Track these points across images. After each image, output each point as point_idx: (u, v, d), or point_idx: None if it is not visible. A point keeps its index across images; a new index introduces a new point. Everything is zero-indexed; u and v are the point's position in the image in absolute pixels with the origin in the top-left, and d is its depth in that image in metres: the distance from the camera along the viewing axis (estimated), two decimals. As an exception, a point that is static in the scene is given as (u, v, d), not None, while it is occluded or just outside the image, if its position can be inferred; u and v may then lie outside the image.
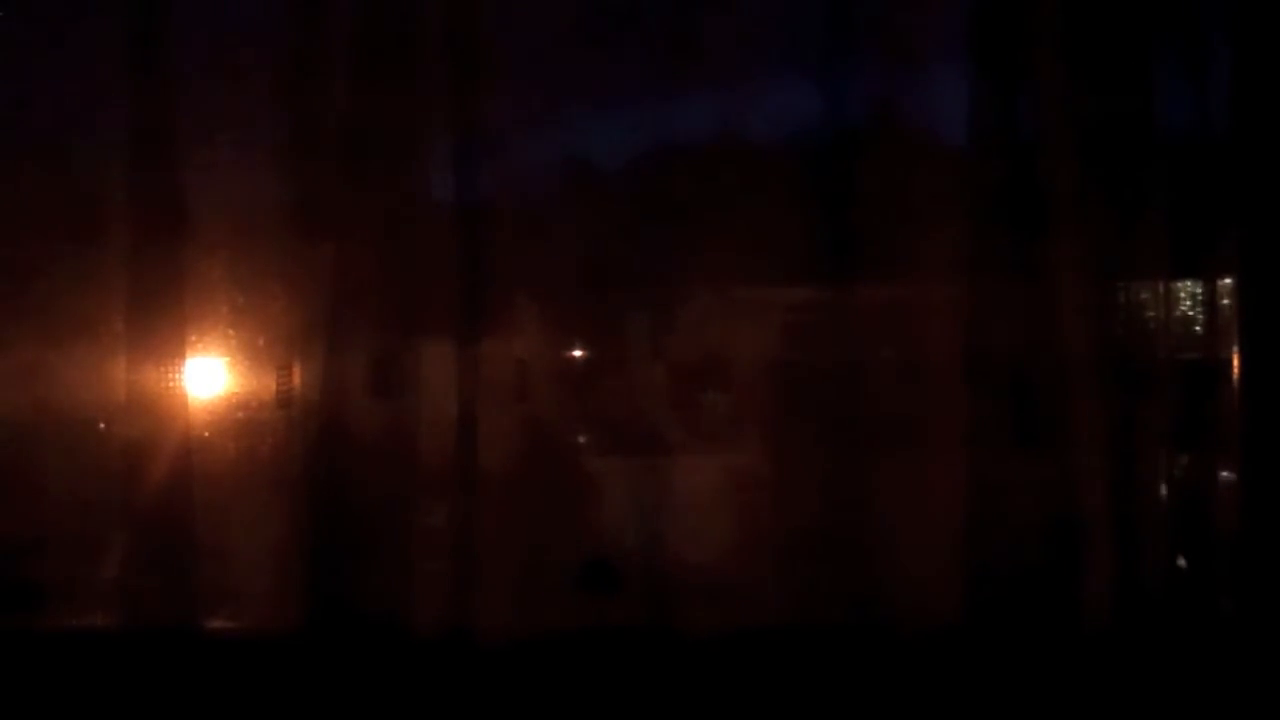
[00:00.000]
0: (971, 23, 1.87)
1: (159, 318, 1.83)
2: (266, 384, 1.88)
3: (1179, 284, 1.91)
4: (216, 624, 1.85)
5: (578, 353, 1.96)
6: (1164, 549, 1.86)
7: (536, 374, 1.89)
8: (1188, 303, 1.91)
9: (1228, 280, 1.90)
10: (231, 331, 1.91)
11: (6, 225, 1.89)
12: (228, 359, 1.91)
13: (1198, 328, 1.90)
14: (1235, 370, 1.88)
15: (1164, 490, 1.86)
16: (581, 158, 1.91)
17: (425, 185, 1.86)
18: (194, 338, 1.87)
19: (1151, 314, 1.88)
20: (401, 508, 1.83)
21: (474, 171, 1.86)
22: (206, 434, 1.89)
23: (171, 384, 1.83)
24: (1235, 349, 1.89)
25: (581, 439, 1.96)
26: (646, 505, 1.87)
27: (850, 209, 1.87)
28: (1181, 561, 1.88)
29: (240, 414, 1.90)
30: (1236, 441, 1.87)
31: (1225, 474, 1.89)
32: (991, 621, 1.83)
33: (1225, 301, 1.90)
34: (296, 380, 1.85)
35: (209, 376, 1.90)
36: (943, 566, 1.83)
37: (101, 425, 1.87)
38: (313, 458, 1.83)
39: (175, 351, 1.83)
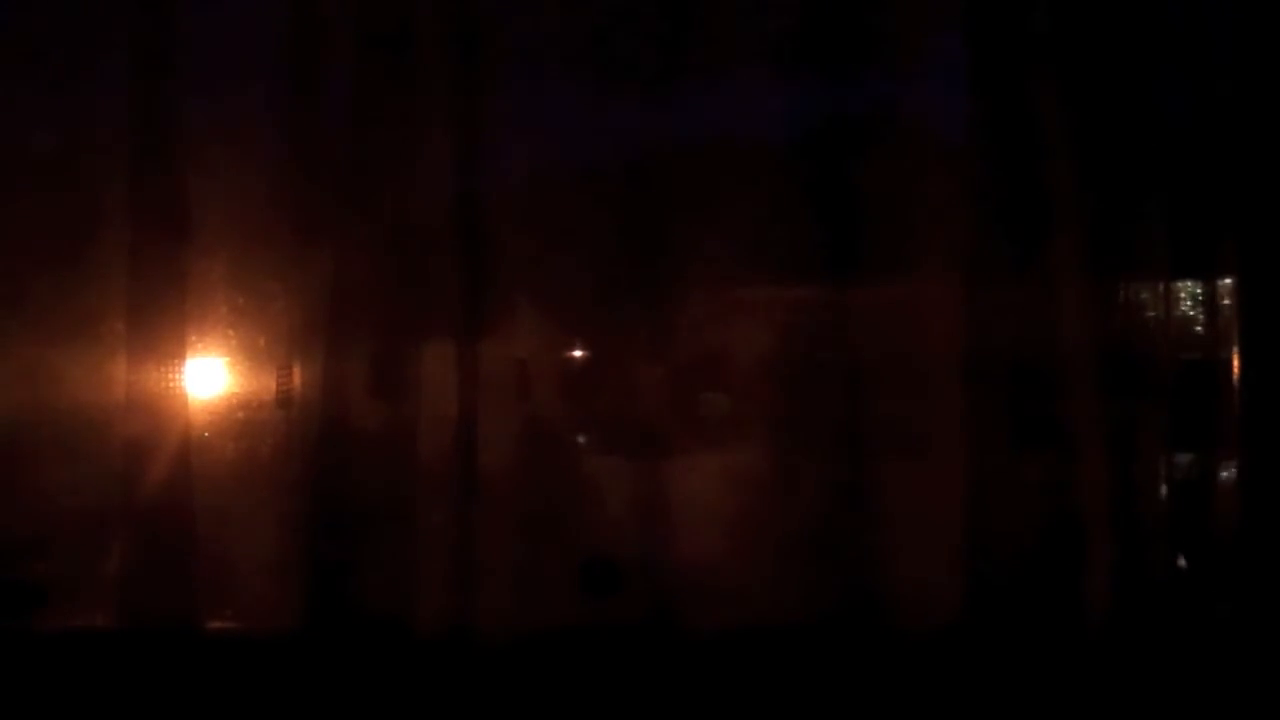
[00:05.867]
0: (971, 22, 1.87)
1: (159, 318, 1.83)
2: (266, 384, 1.88)
3: (1179, 284, 1.91)
4: (216, 624, 1.85)
5: (578, 353, 1.96)
6: (1164, 549, 1.86)
7: (536, 374, 1.89)
8: (1188, 303, 1.92)
9: (1228, 280, 1.90)
10: (231, 331, 1.91)
11: (6, 225, 1.88)
12: (228, 359, 1.91)
13: (1198, 328, 1.91)
14: (1235, 370, 1.88)
15: (1164, 490, 1.86)
16: (581, 158, 1.91)
17: (425, 185, 1.86)
18: (194, 338, 1.87)
19: (1151, 314, 1.88)
20: (401, 508, 1.83)
21: (474, 172, 1.86)
22: (206, 434, 1.88)
23: (171, 384, 1.83)
24: (1235, 349, 1.89)
25: (581, 439, 1.96)
26: (647, 505, 1.87)
27: (850, 209, 1.87)
28: (1181, 561, 1.88)
29: (240, 414, 1.90)
30: (1236, 441, 1.88)
31: (1225, 474, 1.89)
32: (991, 620, 1.83)
33: (1225, 302, 1.90)
34: (296, 380, 1.85)
35: (209, 376, 1.90)
36: (943, 565, 1.83)
37: (101, 425, 1.86)
38: (313, 458, 1.83)
39: (175, 351, 1.83)
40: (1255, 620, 1.83)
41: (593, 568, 1.87)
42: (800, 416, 1.88)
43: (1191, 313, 1.91)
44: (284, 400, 1.86)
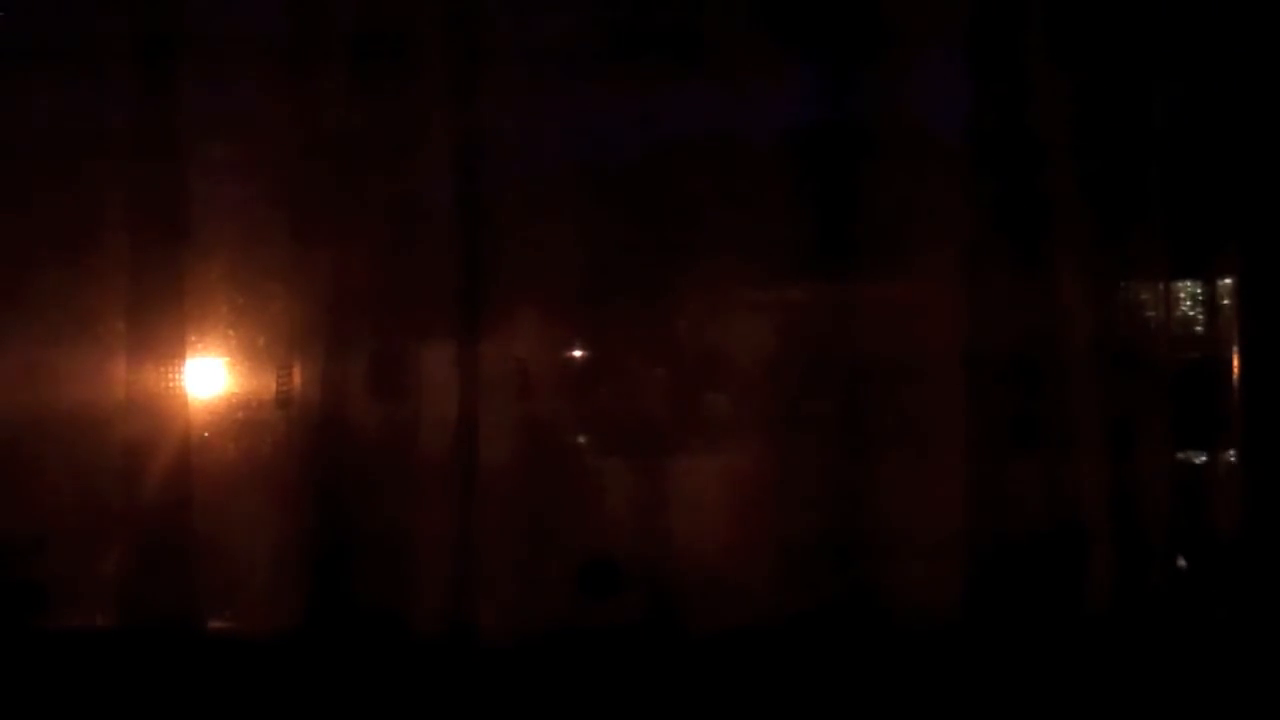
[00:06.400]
0: (972, 22, 1.87)
1: (159, 318, 1.83)
2: (266, 384, 1.87)
3: (1179, 284, 1.91)
4: (216, 624, 1.85)
5: (578, 353, 1.96)
6: (1164, 549, 1.86)
7: (536, 374, 1.89)
8: (1188, 303, 1.92)
9: (1228, 280, 1.90)
10: (231, 331, 1.91)
11: (7, 225, 1.88)
12: (228, 359, 1.91)
13: (1198, 328, 1.91)
14: (1235, 370, 1.88)
15: (1164, 490, 1.86)
16: (581, 158, 1.91)
17: (425, 186, 1.86)
18: (194, 338, 1.87)
19: (1151, 314, 1.88)
20: (401, 508, 1.83)
21: (474, 172, 1.86)
22: (206, 434, 1.88)
23: (171, 384, 1.83)
24: (1235, 349, 1.89)
25: (581, 439, 1.96)
26: (647, 505, 1.87)
27: (850, 209, 1.87)
28: (1181, 561, 1.88)
29: (240, 414, 1.90)
30: (1236, 441, 1.88)
31: (1225, 474, 1.89)
32: (991, 620, 1.83)
33: (1225, 302, 1.90)
34: (296, 380, 1.85)
35: (209, 376, 1.90)
36: (943, 565, 1.83)
37: (101, 425, 1.86)
38: (313, 458, 1.83)
39: (175, 351, 1.84)
40: (1255, 620, 1.83)
41: (593, 568, 1.87)
42: (800, 416, 1.88)
43: (1191, 313, 1.91)
44: (284, 400, 1.86)
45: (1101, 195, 1.85)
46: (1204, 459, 1.89)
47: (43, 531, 1.87)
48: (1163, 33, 1.87)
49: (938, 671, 1.82)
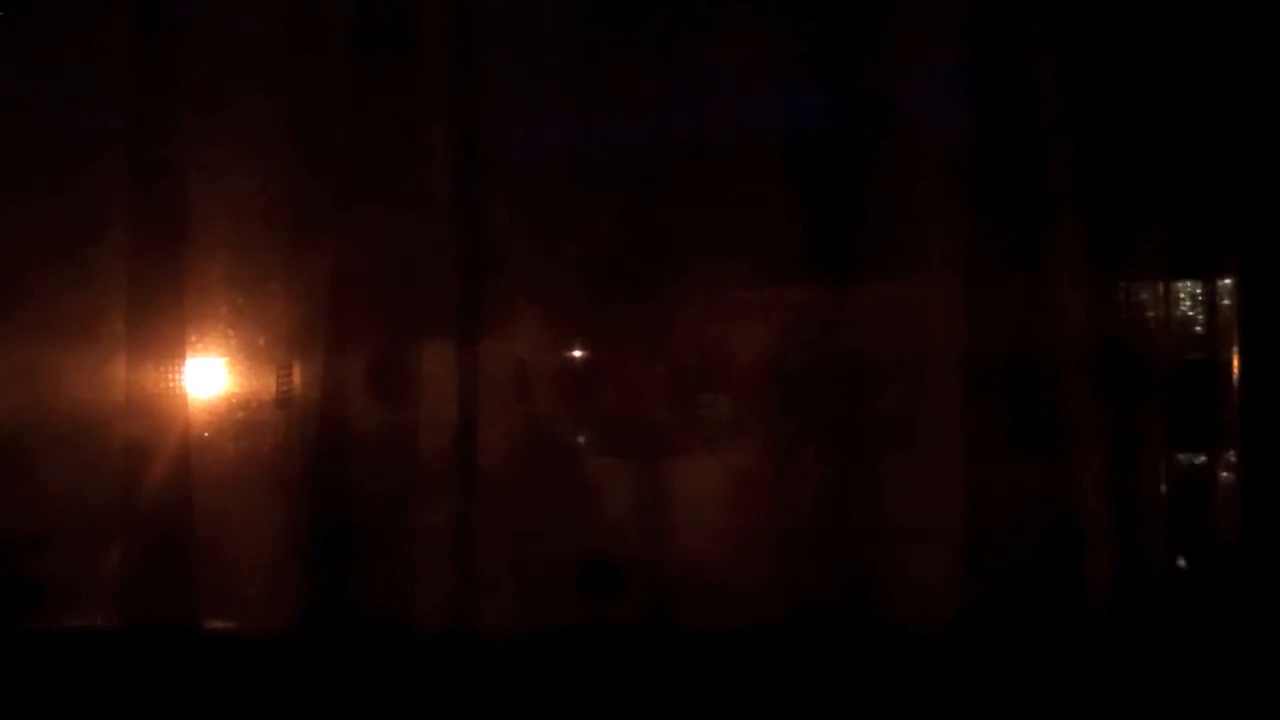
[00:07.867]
0: (971, 21, 1.87)
1: (159, 318, 1.83)
2: (266, 384, 1.88)
3: (1179, 284, 1.91)
4: (216, 624, 1.85)
5: (578, 353, 1.96)
6: (1164, 549, 1.86)
7: (536, 374, 1.89)
8: (1188, 303, 1.92)
9: (1228, 280, 1.90)
10: (231, 331, 1.91)
11: (6, 225, 1.88)
12: (228, 359, 1.91)
13: (1198, 328, 1.91)
14: (1235, 370, 1.88)
15: (1164, 490, 1.86)
16: (581, 157, 1.91)
17: (425, 185, 1.86)
18: (194, 338, 1.87)
19: (1151, 314, 1.88)
20: (401, 508, 1.83)
21: (474, 172, 1.86)
22: (206, 434, 1.88)
23: (171, 384, 1.83)
24: (1235, 349, 1.89)
25: (581, 439, 1.96)
26: (647, 505, 1.87)
27: (850, 208, 1.87)
28: (1181, 561, 1.88)
29: (240, 414, 1.90)
30: (1236, 441, 1.88)
31: (1225, 474, 1.89)
32: (991, 620, 1.83)
33: (1225, 302, 1.90)
34: (296, 380, 1.85)
35: (209, 376, 1.90)
36: (942, 565, 1.83)
37: (101, 425, 1.86)
38: (313, 458, 1.83)
39: (175, 351, 1.84)
40: (1255, 620, 1.83)
41: (593, 568, 1.87)
42: (799, 416, 1.88)
43: (1191, 313, 1.91)
44: (284, 400, 1.86)
45: (1101, 195, 1.85)
46: (1204, 459, 1.89)
47: (43, 531, 1.87)
48: (1163, 32, 1.87)
49: (938, 672, 1.82)
